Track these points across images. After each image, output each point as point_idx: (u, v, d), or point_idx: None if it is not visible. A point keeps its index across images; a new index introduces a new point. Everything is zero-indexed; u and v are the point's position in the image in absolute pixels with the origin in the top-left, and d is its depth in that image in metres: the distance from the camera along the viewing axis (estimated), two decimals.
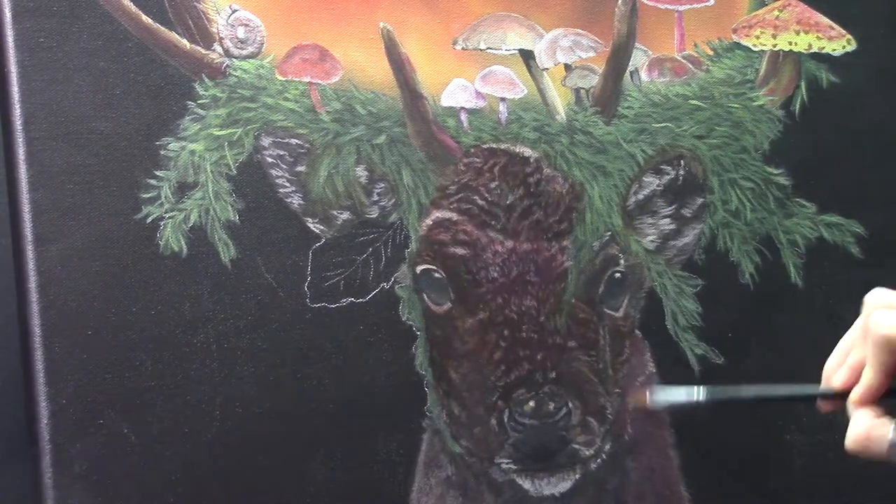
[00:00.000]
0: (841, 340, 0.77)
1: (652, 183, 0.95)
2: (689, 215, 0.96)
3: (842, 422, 0.94)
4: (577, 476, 0.91)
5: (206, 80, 0.86)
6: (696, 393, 0.74)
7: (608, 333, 0.93)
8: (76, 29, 0.84)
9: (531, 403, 0.89)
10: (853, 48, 1.01)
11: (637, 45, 0.95)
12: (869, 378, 0.75)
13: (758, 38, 0.99)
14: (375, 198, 0.90)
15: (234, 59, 0.87)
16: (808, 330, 0.99)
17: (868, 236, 1.01)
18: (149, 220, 0.84)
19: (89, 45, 0.84)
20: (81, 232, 0.83)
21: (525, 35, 0.93)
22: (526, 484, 0.90)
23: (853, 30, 1.01)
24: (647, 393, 0.77)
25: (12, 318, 0.83)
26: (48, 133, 0.82)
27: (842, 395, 0.75)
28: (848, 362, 0.76)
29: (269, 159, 0.87)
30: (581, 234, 0.92)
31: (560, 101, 0.93)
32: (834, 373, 0.77)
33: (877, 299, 0.74)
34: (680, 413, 0.92)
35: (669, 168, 0.95)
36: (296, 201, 0.88)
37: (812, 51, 1.00)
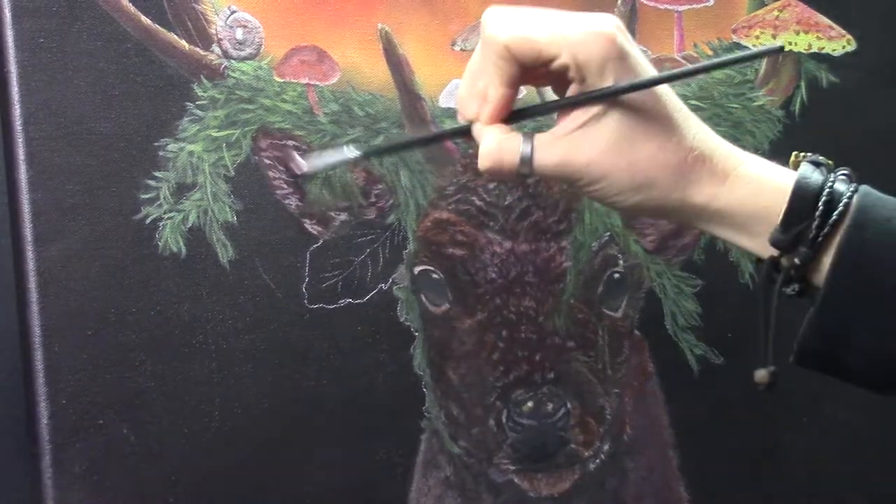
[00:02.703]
0: (465, 70, 0.71)
1: None
2: None
3: (842, 422, 0.94)
4: (576, 476, 0.91)
5: (205, 81, 0.86)
6: (347, 151, 0.72)
7: (607, 334, 0.93)
8: (76, 29, 0.84)
9: (530, 404, 0.89)
10: (853, 48, 1.01)
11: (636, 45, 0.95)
12: (492, 94, 0.69)
13: (757, 38, 0.99)
14: (373, 199, 0.90)
15: (233, 61, 0.87)
16: None
17: None
18: (148, 220, 0.84)
19: (89, 45, 0.84)
20: (81, 232, 0.83)
21: None
22: (525, 484, 0.90)
23: (853, 30, 1.01)
24: (299, 163, 0.73)
25: (12, 318, 0.83)
26: (48, 133, 0.82)
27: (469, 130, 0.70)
28: (475, 91, 0.70)
29: (267, 160, 0.88)
30: (580, 234, 0.92)
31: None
32: (466, 105, 0.70)
33: (490, 13, 0.68)
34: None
35: None
36: (294, 202, 0.88)
37: (812, 51, 1.00)
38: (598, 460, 0.92)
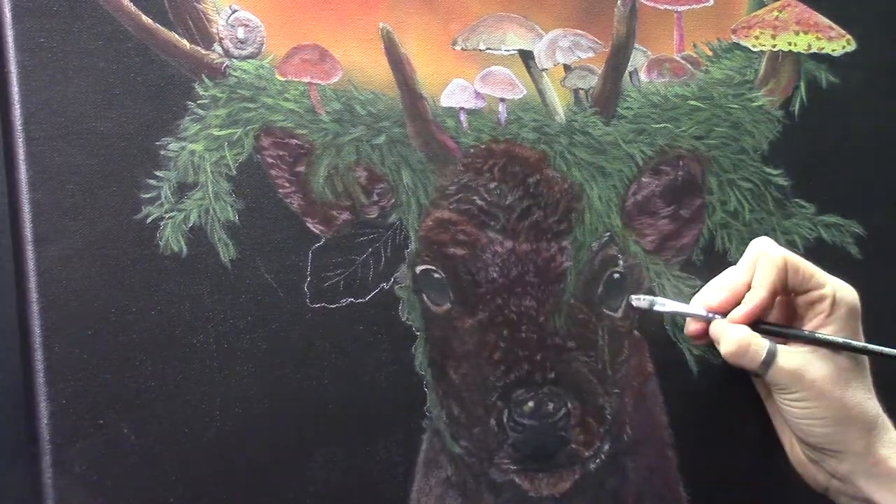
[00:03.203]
0: (719, 276, 0.90)
1: (650, 183, 0.95)
2: (687, 216, 0.96)
3: None
4: (577, 476, 0.91)
5: (206, 80, 0.86)
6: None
7: (607, 334, 0.93)
8: (76, 29, 0.84)
9: (530, 404, 0.89)
10: (853, 48, 1.01)
11: (636, 45, 0.95)
12: (757, 296, 0.86)
13: (757, 38, 0.99)
14: (375, 198, 0.90)
15: (234, 60, 0.87)
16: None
17: (867, 237, 1.01)
18: (149, 220, 0.84)
19: (89, 45, 0.84)
20: (81, 232, 0.83)
21: (524, 35, 0.93)
22: (525, 484, 0.90)
23: (853, 30, 1.01)
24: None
25: (12, 318, 0.83)
26: (48, 133, 0.82)
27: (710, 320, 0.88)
28: (728, 286, 0.88)
29: (269, 159, 0.88)
30: (580, 234, 0.92)
31: (559, 102, 0.93)
32: (713, 295, 0.88)
33: (762, 242, 0.88)
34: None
35: (668, 168, 0.96)
36: (295, 202, 0.88)
37: (811, 51, 1.00)
38: (598, 460, 0.92)
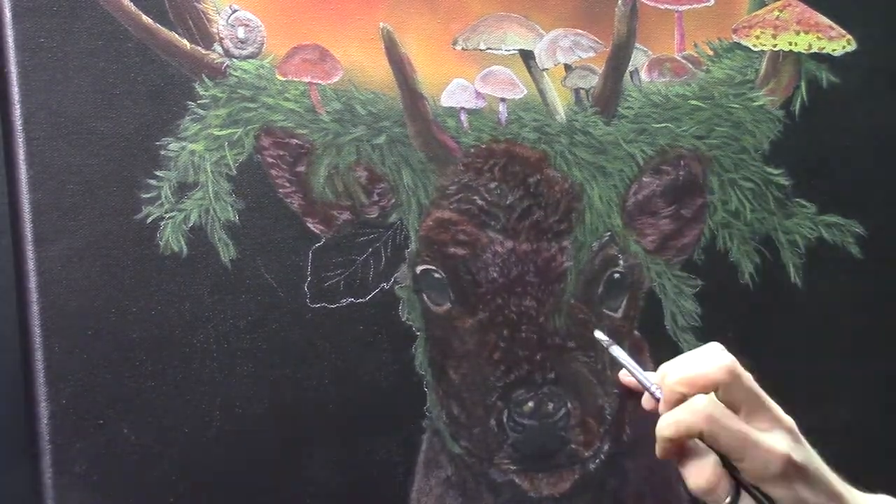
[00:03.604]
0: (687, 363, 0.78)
1: (651, 183, 0.95)
2: (688, 216, 0.96)
3: (842, 422, 0.94)
4: (576, 476, 0.91)
5: (207, 80, 0.86)
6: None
7: (607, 334, 0.92)
8: (76, 29, 0.84)
9: (530, 404, 0.89)
10: (853, 48, 1.01)
11: (637, 45, 0.95)
12: (662, 433, 0.76)
13: (758, 38, 0.99)
14: (375, 198, 0.90)
15: (235, 60, 0.87)
16: (807, 330, 0.99)
17: (868, 236, 1.01)
18: (149, 220, 0.84)
19: (89, 45, 0.84)
20: (81, 232, 0.83)
21: (525, 35, 0.93)
22: (525, 484, 0.90)
23: (853, 30, 1.01)
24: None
25: (12, 318, 0.83)
26: (48, 133, 0.82)
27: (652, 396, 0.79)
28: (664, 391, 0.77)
29: (270, 159, 0.88)
30: (580, 234, 0.92)
31: (560, 102, 0.93)
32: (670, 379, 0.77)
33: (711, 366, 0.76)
34: None
35: (669, 168, 0.96)
36: (296, 201, 0.88)
37: (812, 51, 1.00)
38: (598, 460, 0.92)
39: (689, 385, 0.76)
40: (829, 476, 0.82)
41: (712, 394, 0.77)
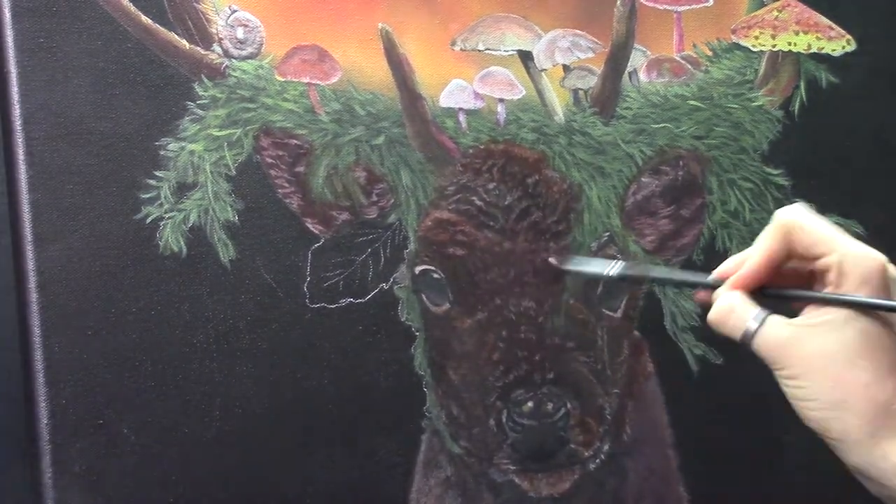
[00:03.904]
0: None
1: (650, 183, 0.95)
2: (687, 216, 0.96)
3: None
4: (576, 476, 0.91)
5: (206, 80, 0.86)
6: (610, 267, 0.79)
7: (606, 334, 0.93)
8: (76, 29, 0.84)
9: (530, 404, 0.89)
10: (853, 48, 1.01)
11: (636, 45, 0.95)
12: (750, 260, 0.74)
13: (757, 38, 0.99)
14: (374, 198, 0.90)
15: (234, 60, 0.87)
16: None
17: (867, 237, 1.01)
18: (148, 220, 0.85)
19: (89, 45, 0.84)
20: (81, 232, 0.83)
21: (523, 36, 0.93)
22: (525, 484, 0.90)
23: (853, 30, 1.01)
24: (561, 260, 0.79)
25: (12, 318, 0.83)
26: (48, 133, 0.82)
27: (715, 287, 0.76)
28: (735, 258, 0.76)
29: (269, 160, 0.88)
30: (579, 234, 0.92)
31: (558, 102, 0.93)
32: (727, 263, 0.76)
33: (788, 207, 0.74)
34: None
35: (668, 169, 0.96)
36: (295, 202, 0.88)
37: (811, 51, 1.00)
38: (597, 460, 0.92)
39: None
40: None
41: None
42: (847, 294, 0.72)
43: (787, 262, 0.75)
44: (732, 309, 0.75)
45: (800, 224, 0.74)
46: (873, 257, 0.72)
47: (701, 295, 0.79)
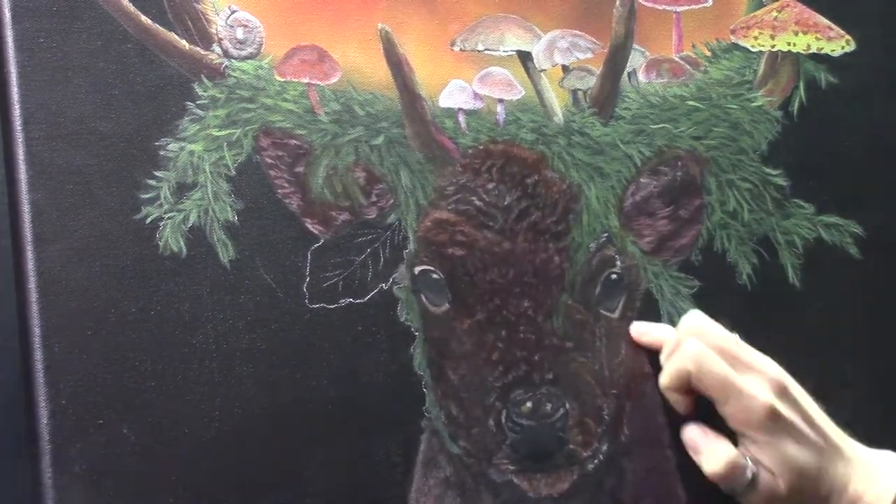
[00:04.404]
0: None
1: (649, 184, 0.95)
2: (686, 216, 0.96)
3: (843, 424, 0.94)
4: (575, 477, 0.91)
5: (205, 80, 0.86)
6: None
7: (605, 335, 0.93)
8: (76, 29, 0.84)
9: (529, 404, 0.89)
10: (852, 49, 1.01)
11: (635, 46, 0.95)
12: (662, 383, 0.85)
13: (756, 38, 0.99)
14: (374, 199, 0.90)
15: (233, 60, 0.87)
16: (806, 331, 0.99)
17: (867, 237, 1.01)
18: (148, 220, 0.85)
19: (89, 45, 0.84)
20: (81, 232, 0.83)
21: (523, 36, 0.93)
22: (524, 484, 0.90)
23: (852, 30, 1.01)
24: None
25: (12, 318, 0.83)
26: (48, 133, 0.82)
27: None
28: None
29: (268, 160, 0.88)
30: (578, 235, 0.93)
31: (557, 103, 0.93)
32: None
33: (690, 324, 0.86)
34: None
35: (667, 169, 0.96)
36: (294, 202, 0.88)
37: (811, 51, 1.00)
38: (596, 461, 0.92)
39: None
40: (826, 430, 0.84)
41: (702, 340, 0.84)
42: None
43: None
44: (735, 465, 0.83)
45: (700, 375, 0.83)
46: (757, 408, 0.82)
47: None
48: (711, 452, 0.84)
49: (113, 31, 0.84)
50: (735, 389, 0.83)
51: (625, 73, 0.95)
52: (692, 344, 0.83)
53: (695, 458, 0.86)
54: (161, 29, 0.86)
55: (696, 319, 0.86)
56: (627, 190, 0.94)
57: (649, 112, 0.95)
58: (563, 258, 0.91)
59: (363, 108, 0.89)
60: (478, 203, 0.91)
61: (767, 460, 0.83)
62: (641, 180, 0.95)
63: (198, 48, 0.87)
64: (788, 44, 0.99)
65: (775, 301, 0.98)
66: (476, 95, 0.92)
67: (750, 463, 0.83)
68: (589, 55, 0.94)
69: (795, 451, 0.83)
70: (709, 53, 0.98)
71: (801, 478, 0.83)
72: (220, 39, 0.87)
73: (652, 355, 0.92)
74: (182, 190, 0.85)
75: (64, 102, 0.83)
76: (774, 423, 0.82)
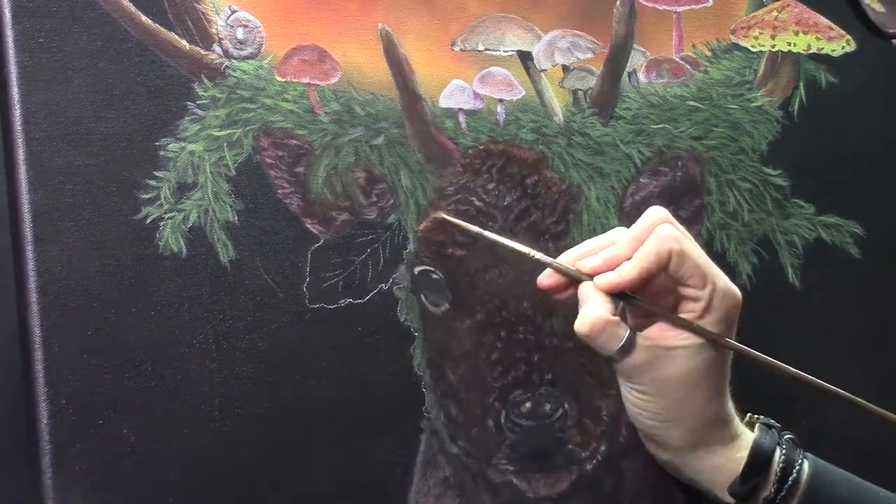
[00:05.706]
0: (601, 236, 0.84)
1: (649, 184, 0.95)
2: (686, 217, 0.96)
3: (837, 423, 0.94)
4: (574, 477, 0.91)
5: (206, 80, 0.86)
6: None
7: None
8: (76, 29, 0.84)
9: (528, 405, 0.89)
10: (852, 49, 1.01)
11: (635, 46, 0.95)
12: (629, 270, 0.80)
13: (756, 38, 0.99)
14: (374, 199, 0.90)
15: (234, 60, 0.87)
16: (805, 331, 0.99)
17: (867, 237, 1.01)
18: (148, 220, 0.84)
19: (89, 45, 0.84)
20: (81, 232, 0.83)
21: (523, 36, 0.93)
22: (523, 485, 0.91)
23: (852, 30, 1.01)
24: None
25: (12, 318, 0.83)
26: (48, 133, 0.82)
27: (578, 280, 0.82)
28: (606, 253, 0.82)
29: (269, 160, 0.88)
30: (577, 235, 0.93)
31: (558, 103, 0.93)
32: (581, 259, 0.82)
33: (659, 217, 0.82)
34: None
35: (666, 169, 0.96)
36: (295, 202, 0.88)
37: (811, 51, 1.00)
38: (594, 461, 0.92)
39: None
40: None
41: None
42: (707, 328, 0.80)
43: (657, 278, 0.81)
44: (604, 329, 0.80)
45: (683, 253, 0.80)
46: (735, 295, 0.82)
47: (549, 282, 0.84)
48: (584, 311, 0.82)
49: (113, 31, 0.84)
50: (714, 271, 0.82)
51: (625, 74, 0.95)
52: (670, 227, 0.82)
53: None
54: (161, 29, 0.86)
55: (662, 209, 0.84)
56: (627, 190, 0.95)
57: (649, 112, 0.95)
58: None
59: (363, 108, 0.89)
60: (477, 203, 0.91)
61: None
62: (641, 180, 0.95)
63: (198, 48, 0.87)
64: (789, 44, 1.00)
65: (775, 301, 0.99)
66: (476, 95, 0.92)
67: (628, 333, 0.81)
68: (589, 55, 0.94)
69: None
70: (709, 53, 0.98)
71: (697, 379, 0.82)
72: (221, 39, 0.87)
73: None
74: (182, 190, 0.85)
75: (64, 102, 0.83)
76: (735, 318, 0.83)
